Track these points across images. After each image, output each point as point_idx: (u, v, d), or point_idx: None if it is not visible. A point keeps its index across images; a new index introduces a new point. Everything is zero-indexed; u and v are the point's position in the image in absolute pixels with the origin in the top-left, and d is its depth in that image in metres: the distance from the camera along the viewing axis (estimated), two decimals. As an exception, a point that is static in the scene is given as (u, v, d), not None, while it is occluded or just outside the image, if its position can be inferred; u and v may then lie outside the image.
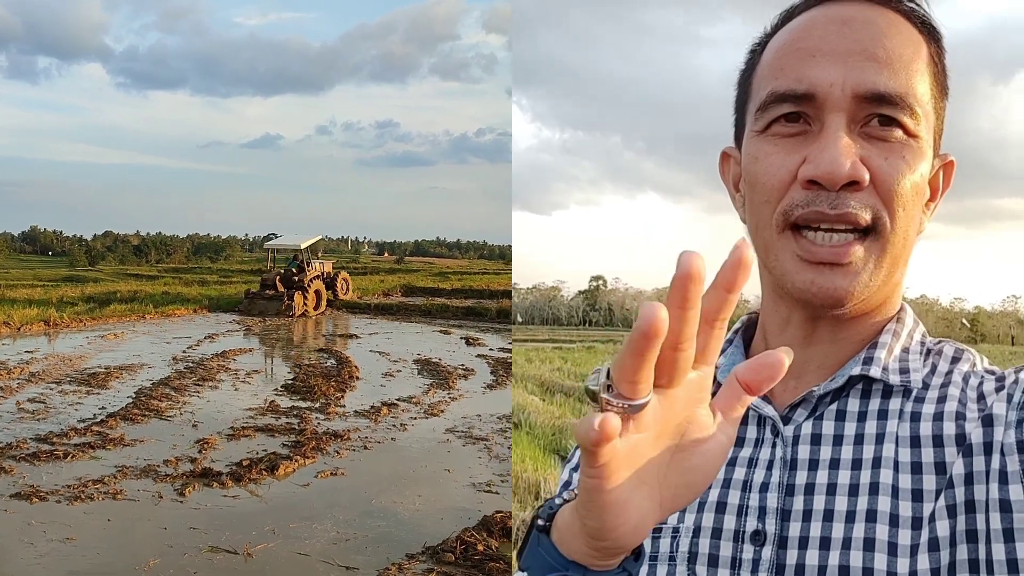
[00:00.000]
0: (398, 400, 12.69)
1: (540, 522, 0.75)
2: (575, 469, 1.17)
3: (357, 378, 14.81)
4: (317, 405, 12.28)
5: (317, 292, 27.69)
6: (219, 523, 7.15)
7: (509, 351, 19.13)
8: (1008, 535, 0.81)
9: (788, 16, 1.01)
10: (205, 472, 8.58)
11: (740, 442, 1.02)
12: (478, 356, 18.17)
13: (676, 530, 1.01)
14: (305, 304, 26.75)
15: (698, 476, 0.66)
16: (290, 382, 14.16)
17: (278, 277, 27.65)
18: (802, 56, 0.94)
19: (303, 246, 28.68)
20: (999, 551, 0.81)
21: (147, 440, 9.87)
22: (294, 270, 27.96)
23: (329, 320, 26.08)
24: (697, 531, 0.99)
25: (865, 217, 0.91)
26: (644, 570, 1.00)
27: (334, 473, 8.76)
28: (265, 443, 9.89)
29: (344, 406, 12.26)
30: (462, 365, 16.61)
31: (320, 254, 31.94)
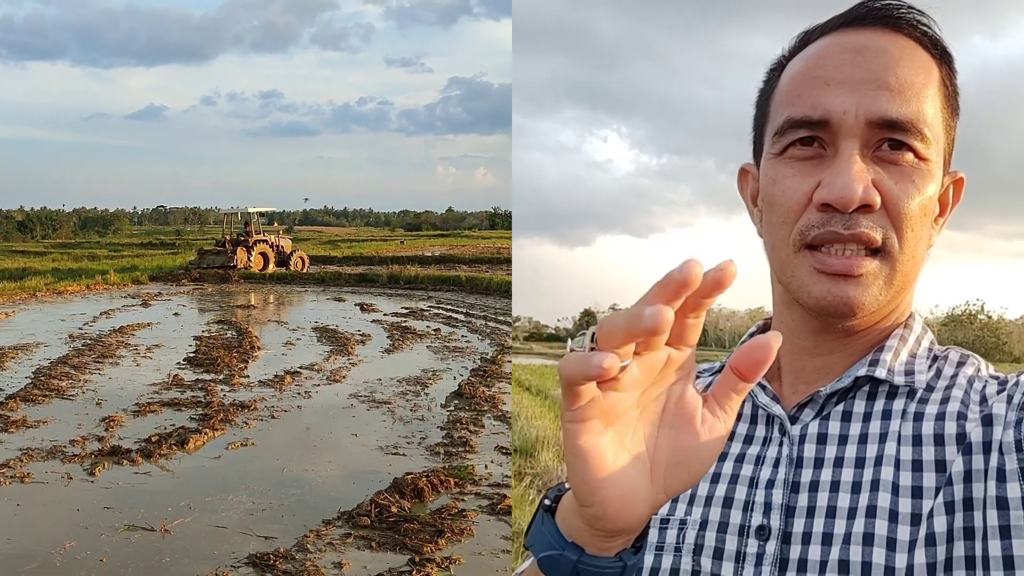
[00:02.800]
0: (300, 368, 12.45)
1: (547, 502, 0.75)
2: None
3: (258, 348, 14.46)
4: (221, 377, 11.91)
5: (263, 255, 29.60)
6: (133, 501, 6.85)
7: (403, 316, 18.95)
8: (1004, 532, 0.81)
9: (804, 41, 1.02)
10: (114, 450, 8.20)
11: (749, 440, 1.03)
12: (373, 322, 18.00)
13: (683, 522, 1.01)
14: (250, 262, 28.82)
15: (693, 460, 0.66)
16: (192, 355, 13.70)
17: (228, 238, 29.89)
18: (817, 84, 0.95)
19: (251, 210, 31.07)
20: (995, 547, 0.81)
21: (50, 420, 9.38)
22: (243, 234, 30.01)
23: (221, 293, 25.34)
24: (704, 524, 0.99)
25: (876, 237, 0.91)
26: (649, 559, 1.01)
27: (244, 444, 8.52)
28: (172, 417, 9.54)
29: (248, 376, 11.94)
30: (359, 331, 16.41)
31: (281, 232, 34.35)
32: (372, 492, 6.90)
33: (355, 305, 21.19)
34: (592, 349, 0.60)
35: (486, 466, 7.82)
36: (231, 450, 8.32)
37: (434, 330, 16.66)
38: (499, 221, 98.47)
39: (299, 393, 10.89)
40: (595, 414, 0.62)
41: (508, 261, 34.79)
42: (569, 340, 0.63)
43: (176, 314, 19.50)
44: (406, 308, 20.37)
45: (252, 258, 29.07)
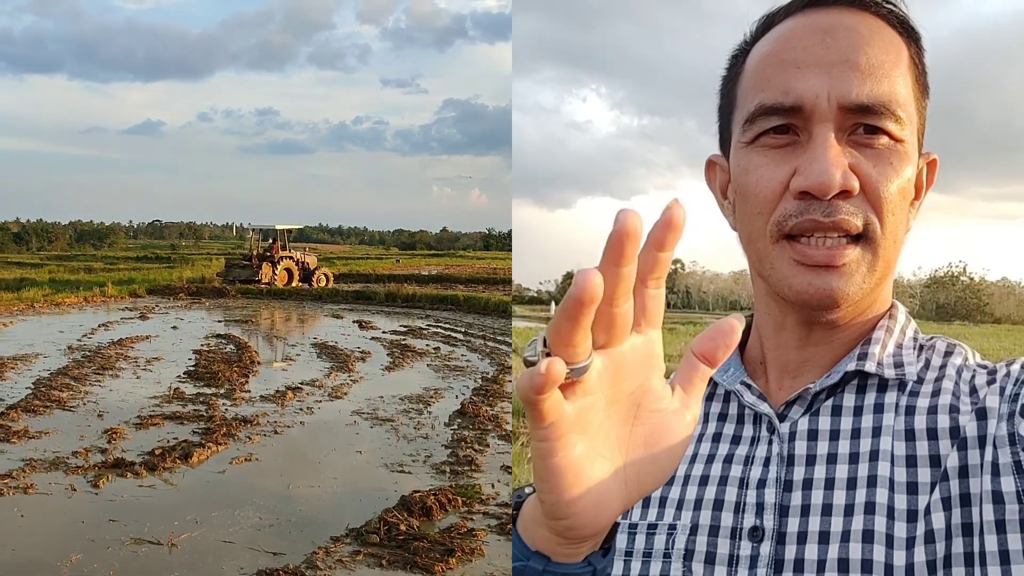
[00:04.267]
0: (301, 384, 12.36)
1: (511, 511, 0.72)
2: None
3: (258, 363, 14.37)
4: (222, 391, 11.81)
5: (288, 270, 30.25)
6: (138, 514, 6.76)
7: (402, 333, 18.87)
8: (1000, 526, 0.79)
9: (768, 24, 0.99)
10: (118, 462, 8.10)
11: (737, 440, 1.00)
12: (372, 339, 17.90)
13: (672, 527, 0.97)
14: (274, 276, 29.53)
15: (663, 454, 0.62)
16: (192, 368, 13.60)
17: (256, 252, 30.96)
18: (786, 67, 0.92)
19: (279, 227, 31.76)
20: (991, 543, 0.79)
21: (52, 432, 9.27)
22: (269, 251, 30.83)
23: (220, 309, 25.24)
24: (694, 528, 0.96)
25: (857, 223, 0.89)
26: (637, 567, 0.97)
27: (248, 459, 8.43)
28: (175, 431, 9.45)
29: (249, 391, 11.85)
30: (359, 348, 16.33)
31: (307, 249, 35.01)
32: (379, 510, 6.84)
33: (353, 322, 21.10)
34: (547, 354, 0.55)
35: (493, 485, 7.75)
36: (235, 465, 8.24)
37: (434, 348, 16.58)
38: (493, 242, 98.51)
39: (301, 409, 10.80)
40: (566, 429, 0.57)
41: (505, 281, 34.79)
42: (524, 352, 0.58)
43: (175, 327, 19.39)
44: (404, 326, 20.29)
45: (277, 273, 29.75)
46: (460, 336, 18.68)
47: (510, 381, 13.11)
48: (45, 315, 21.84)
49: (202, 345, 16.42)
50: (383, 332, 19.11)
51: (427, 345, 17.02)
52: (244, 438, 9.20)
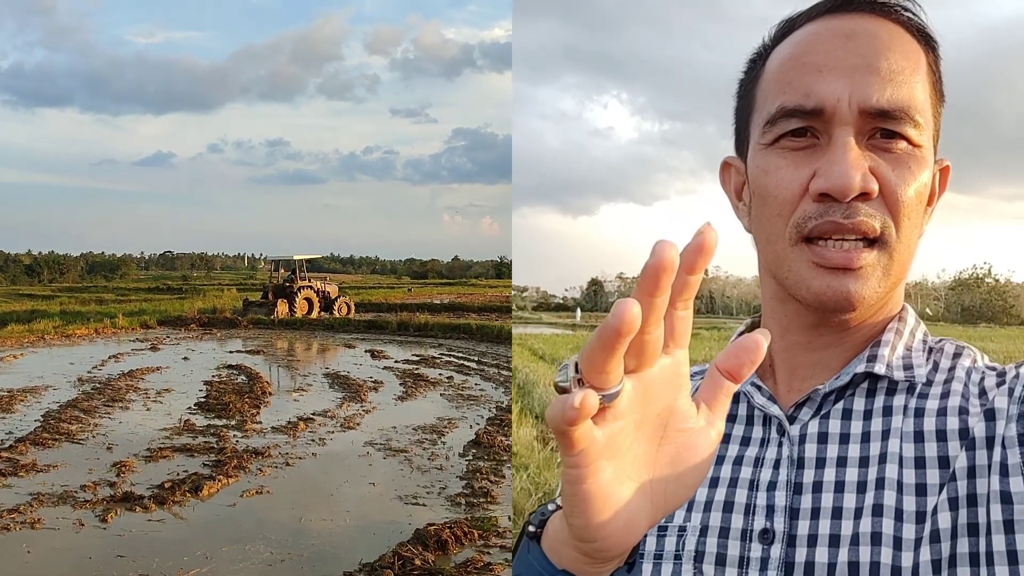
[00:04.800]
0: (314, 414, 12.19)
1: (531, 528, 0.72)
2: None
3: (269, 393, 14.21)
4: (233, 422, 11.65)
5: (308, 300, 30.05)
6: (147, 549, 6.59)
7: (414, 363, 18.71)
8: (1008, 527, 0.78)
9: (789, 27, 0.99)
10: (126, 496, 7.95)
11: (746, 442, 1.00)
12: (385, 368, 17.75)
13: (682, 528, 0.97)
14: (293, 310, 29.33)
15: (689, 472, 0.63)
16: (203, 400, 13.45)
17: (272, 287, 30.96)
18: (808, 71, 0.92)
19: (296, 258, 32.05)
20: (999, 542, 0.78)
21: (60, 465, 9.13)
22: (288, 282, 30.90)
23: (232, 339, 25.15)
24: (704, 530, 0.96)
25: (875, 226, 0.89)
26: (648, 568, 0.97)
27: (259, 492, 8.26)
28: (185, 463, 9.28)
29: (261, 422, 11.68)
30: (371, 378, 16.17)
31: (328, 278, 34.79)
32: (394, 543, 6.65)
33: (366, 352, 20.96)
34: (579, 380, 0.55)
35: (509, 517, 7.54)
36: (246, 498, 8.06)
37: (447, 378, 16.40)
38: (505, 270, 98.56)
39: (313, 440, 10.63)
40: (596, 455, 0.57)
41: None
42: (555, 377, 0.57)
43: (186, 358, 19.27)
44: (417, 355, 20.13)
45: (296, 303, 29.64)
46: (473, 365, 18.50)
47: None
48: (55, 347, 21.76)
49: (213, 376, 16.27)
50: (395, 361, 18.94)
51: (440, 374, 16.85)
52: (255, 470, 9.03)
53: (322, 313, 30.12)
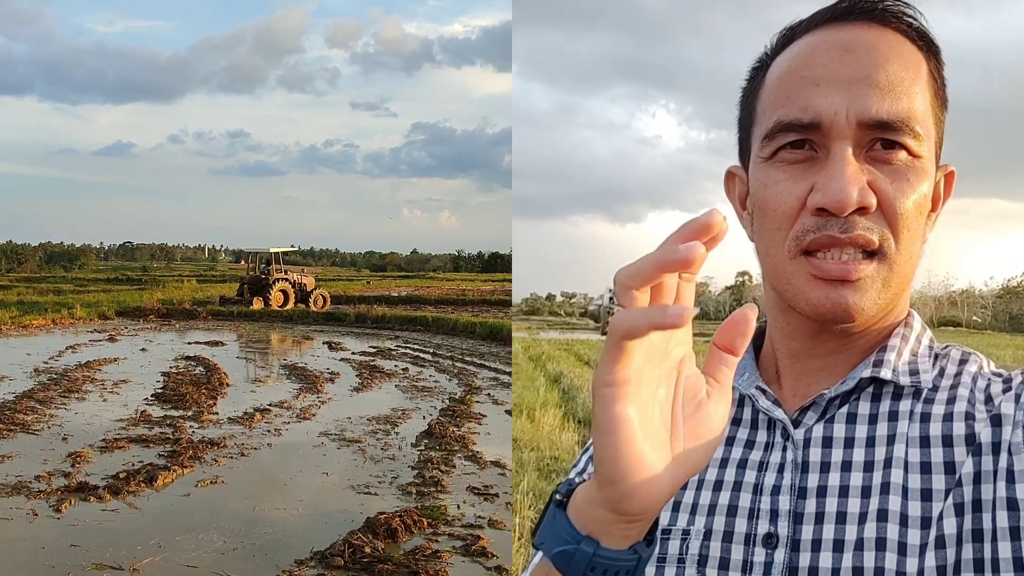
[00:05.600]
0: (270, 405, 12.24)
1: (558, 497, 0.72)
2: (592, 457, 1.15)
3: (227, 384, 14.21)
4: (190, 413, 11.67)
5: (283, 292, 29.93)
6: (101, 539, 6.65)
7: (371, 355, 18.77)
8: (1014, 533, 0.78)
9: (789, 38, 0.98)
10: (81, 486, 7.98)
11: (751, 445, 0.99)
12: (342, 360, 17.79)
13: (686, 532, 0.96)
14: (268, 302, 29.25)
15: (705, 437, 0.65)
16: (160, 391, 13.42)
17: (247, 281, 30.93)
18: (806, 84, 0.91)
19: (271, 250, 32.13)
20: (1005, 549, 0.78)
21: (15, 455, 9.12)
22: (264, 275, 30.76)
23: (190, 330, 24.97)
24: (708, 534, 0.95)
25: (874, 239, 0.89)
26: (651, 572, 0.96)
27: (214, 482, 8.33)
28: (140, 454, 9.31)
29: (217, 413, 11.71)
30: (328, 369, 16.22)
31: (304, 270, 34.09)
32: (345, 532, 6.76)
33: (323, 343, 20.96)
34: (609, 311, 0.59)
35: (458, 506, 7.70)
36: (201, 488, 8.12)
37: (402, 369, 16.50)
38: (463, 264, 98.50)
39: (269, 431, 10.69)
40: (632, 375, 0.60)
41: (472, 303, 34.63)
42: (598, 307, 0.63)
43: (144, 350, 19.14)
44: (374, 347, 20.20)
45: (272, 295, 29.57)
46: (428, 357, 18.61)
47: (478, 402, 13.07)
48: (12, 337, 21.49)
49: (171, 367, 16.22)
50: (352, 353, 19.00)
51: (396, 366, 16.95)
52: (211, 460, 9.09)
53: (298, 305, 29.79)
